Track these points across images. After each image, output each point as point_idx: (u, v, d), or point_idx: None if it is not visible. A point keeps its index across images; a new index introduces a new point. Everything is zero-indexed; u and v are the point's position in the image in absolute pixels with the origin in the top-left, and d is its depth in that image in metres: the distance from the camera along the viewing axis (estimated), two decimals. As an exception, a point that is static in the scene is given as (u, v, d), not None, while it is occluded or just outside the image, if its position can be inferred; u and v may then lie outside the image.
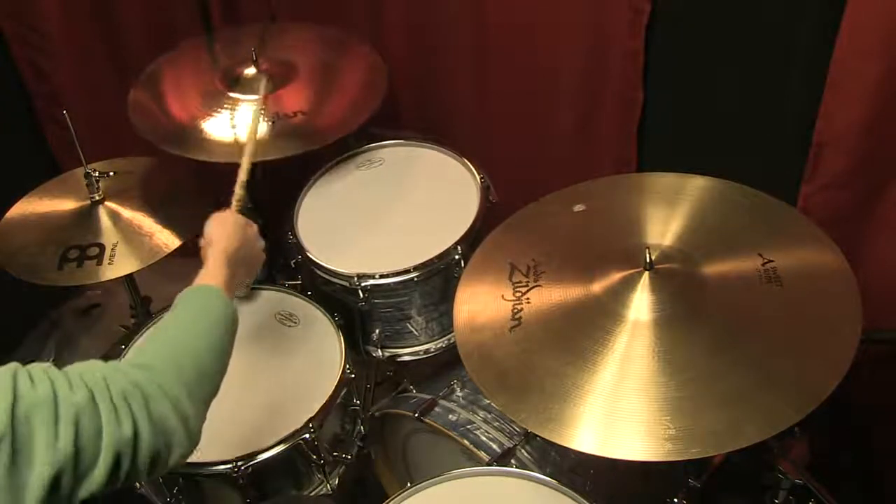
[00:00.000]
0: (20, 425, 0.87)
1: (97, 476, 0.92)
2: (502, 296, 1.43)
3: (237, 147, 1.85)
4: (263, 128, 1.86)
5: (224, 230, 1.37)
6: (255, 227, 1.44)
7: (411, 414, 1.68)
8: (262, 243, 1.46)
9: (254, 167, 1.59)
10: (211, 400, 1.11)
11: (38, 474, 0.87)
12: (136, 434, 0.96)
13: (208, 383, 1.10)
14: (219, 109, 1.93)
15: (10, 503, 0.86)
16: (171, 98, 2.00)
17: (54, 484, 0.88)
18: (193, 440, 1.04)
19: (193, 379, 1.06)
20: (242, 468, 1.52)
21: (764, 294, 1.32)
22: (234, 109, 1.93)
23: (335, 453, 1.70)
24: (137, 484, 1.64)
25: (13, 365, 0.94)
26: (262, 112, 1.85)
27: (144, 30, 2.37)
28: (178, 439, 1.01)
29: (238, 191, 1.54)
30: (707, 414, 1.17)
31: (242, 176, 1.56)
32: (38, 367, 0.95)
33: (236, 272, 1.32)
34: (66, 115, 1.76)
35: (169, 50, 2.14)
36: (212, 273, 1.27)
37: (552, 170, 2.17)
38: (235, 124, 1.90)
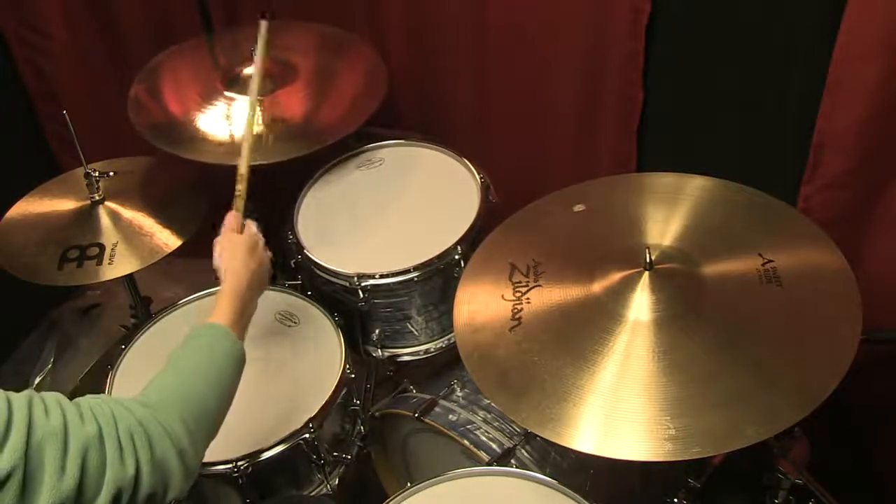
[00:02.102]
0: (33, 455, 0.88)
1: None
2: (502, 296, 1.43)
3: (235, 147, 1.85)
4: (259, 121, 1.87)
5: (234, 260, 1.39)
6: (261, 242, 1.46)
7: (411, 414, 1.68)
8: (268, 255, 1.47)
9: (254, 164, 1.59)
10: (210, 440, 1.13)
11: None
12: (137, 474, 0.97)
13: (210, 424, 1.12)
14: (217, 109, 1.93)
15: None
16: (169, 97, 2.01)
17: None
18: (190, 479, 1.05)
19: (196, 419, 1.08)
20: (242, 468, 1.52)
21: (764, 294, 1.32)
22: (233, 109, 1.93)
23: (335, 453, 1.70)
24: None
25: (28, 393, 0.94)
26: (259, 104, 1.82)
27: (145, 30, 2.37)
28: (175, 480, 1.02)
29: (238, 185, 1.54)
30: (707, 414, 1.17)
31: (242, 169, 1.56)
32: (51, 397, 0.96)
33: (249, 303, 1.35)
34: (66, 115, 1.76)
35: (169, 48, 2.14)
36: (223, 310, 1.29)
37: (552, 170, 2.17)
38: (233, 124, 1.90)
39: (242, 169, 1.56)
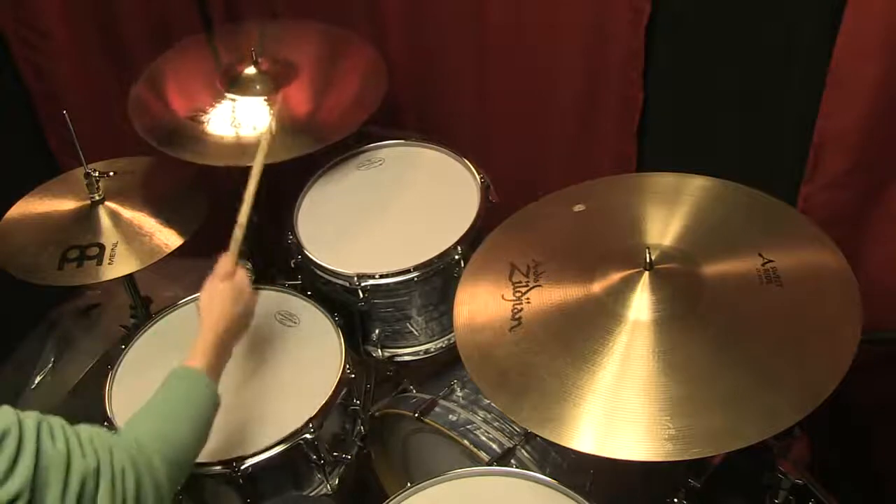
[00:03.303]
0: (40, 478, 0.96)
1: None
2: (502, 296, 1.43)
3: (235, 147, 1.85)
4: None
5: (214, 308, 1.44)
6: (247, 291, 1.51)
7: (411, 414, 1.68)
8: (255, 300, 1.54)
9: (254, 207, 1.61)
10: (183, 480, 1.24)
11: None
12: None
13: (187, 467, 1.24)
14: (217, 109, 1.93)
15: None
16: (170, 97, 2.01)
17: None
18: None
19: (177, 466, 1.19)
20: (242, 468, 1.52)
21: (764, 294, 1.32)
22: (232, 109, 1.93)
23: (335, 453, 1.70)
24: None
25: (37, 417, 1.02)
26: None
27: (145, 30, 2.37)
28: None
29: (236, 231, 1.56)
30: (707, 414, 1.17)
31: (242, 217, 1.58)
32: (57, 424, 1.03)
33: (225, 350, 1.42)
34: (66, 115, 1.76)
35: (169, 48, 2.14)
36: (201, 355, 1.36)
37: (552, 170, 2.17)
38: (232, 124, 1.90)
39: (242, 218, 1.58)
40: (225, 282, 1.49)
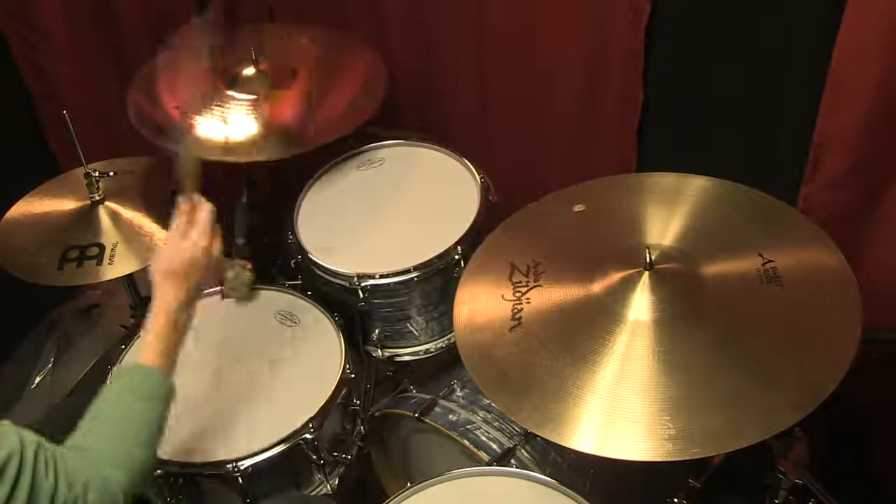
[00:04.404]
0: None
1: None
2: (502, 296, 1.43)
3: (233, 145, 1.85)
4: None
5: (165, 282, 1.33)
6: (191, 245, 1.36)
7: (411, 414, 1.68)
8: (209, 253, 1.38)
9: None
10: (142, 485, 1.22)
11: None
12: None
13: (144, 477, 1.21)
14: (216, 107, 1.93)
15: None
16: (167, 95, 2.00)
17: None
18: None
19: (136, 483, 1.18)
20: (242, 468, 1.52)
21: (764, 294, 1.32)
22: (231, 108, 1.93)
23: (335, 453, 1.70)
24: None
25: (35, 443, 1.07)
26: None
27: (145, 30, 2.38)
28: None
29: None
30: (707, 414, 1.17)
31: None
32: (50, 452, 1.09)
33: (184, 324, 1.33)
34: (66, 115, 1.76)
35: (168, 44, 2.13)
36: (152, 348, 1.28)
37: (552, 170, 2.17)
38: (231, 122, 1.90)
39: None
40: (179, 243, 1.36)
